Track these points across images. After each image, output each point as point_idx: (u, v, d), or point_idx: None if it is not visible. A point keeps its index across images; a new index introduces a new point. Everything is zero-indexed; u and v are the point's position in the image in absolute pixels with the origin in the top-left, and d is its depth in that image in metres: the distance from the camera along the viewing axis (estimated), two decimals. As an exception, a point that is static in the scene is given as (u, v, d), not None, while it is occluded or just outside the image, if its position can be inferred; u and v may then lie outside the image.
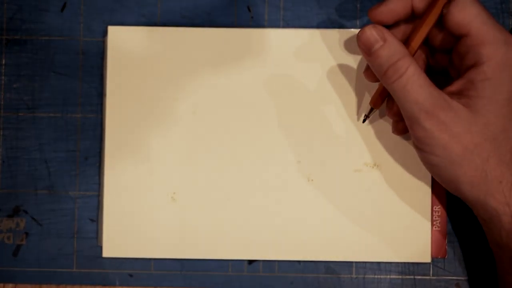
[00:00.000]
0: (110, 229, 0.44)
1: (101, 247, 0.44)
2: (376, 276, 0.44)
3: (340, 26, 0.45)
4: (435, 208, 0.44)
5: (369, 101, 0.42)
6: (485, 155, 0.36)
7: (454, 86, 0.37)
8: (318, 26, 0.45)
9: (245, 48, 0.44)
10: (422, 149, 0.38)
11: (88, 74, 0.45)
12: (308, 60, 0.44)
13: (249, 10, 0.45)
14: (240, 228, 0.44)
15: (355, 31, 0.44)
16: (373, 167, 0.44)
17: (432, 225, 0.44)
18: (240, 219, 0.44)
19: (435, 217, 0.44)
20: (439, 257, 0.44)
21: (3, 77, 0.45)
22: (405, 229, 0.44)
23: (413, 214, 0.44)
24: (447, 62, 0.40)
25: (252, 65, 0.44)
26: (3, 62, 0.45)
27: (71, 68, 0.45)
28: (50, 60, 0.45)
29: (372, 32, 0.38)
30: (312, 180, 0.44)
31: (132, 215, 0.44)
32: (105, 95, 0.44)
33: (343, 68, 0.44)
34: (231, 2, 0.45)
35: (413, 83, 0.36)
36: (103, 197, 0.44)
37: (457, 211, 0.44)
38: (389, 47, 0.37)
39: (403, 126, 0.41)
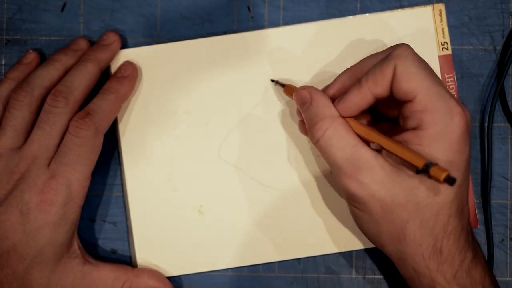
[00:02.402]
0: (142, 252, 0.44)
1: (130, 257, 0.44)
2: (376, 276, 0.44)
3: (340, 26, 0.45)
4: None
5: None
6: (404, 217, 0.36)
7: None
8: (318, 26, 0.45)
9: (245, 52, 0.44)
10: (346, 199, 0.38)
11: (88, 74, 0.45)
12: (306, 57, 0.44)
13: (249, 10, 0.45)
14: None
15: (354, 18, 0.44)
16: None
17: None
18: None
19: None
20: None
21: (3, 77, 0.45)
22: None
23: None
24: (395, 115, 0.40)
25: (254, 69, 0.44)
26: (3, 62, 0.45)
27: (71, 68, 0.45)
28: (50, 60, 0.45)
29: (304, 92, 0.39)
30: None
31: (161, 234, 0.44)
32: (118, 119, 0.44)
33: (343, 59, 0.44)
34: (231, 2, 0.45)
35: (331, 146, 0.37)
36: (130, 222, 0.44)
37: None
38: (312, 107, 0.38)
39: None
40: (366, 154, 0.36)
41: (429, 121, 0.35)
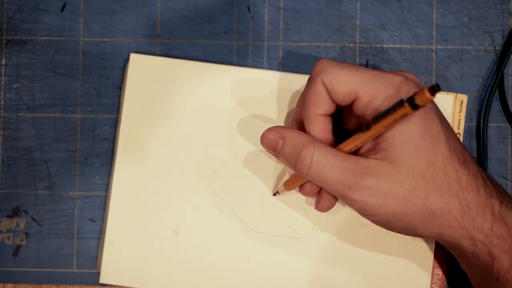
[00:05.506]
0: (110, 257, 0.44)
1: (99, 273, 0.44)
2: None
3: (340, 26, 0.45)
4: (436, 271, 0.44)
5: None
6: (422, 195, 0.36)
7: (368, 144, 0.37)
8: (318, 25, 0.45)
9: (267, 92, 0.44)
10: (365, 215, 0.38)
11: (88, 74, 0.45)
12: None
13: (249, 10, 0.45)
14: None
15: None
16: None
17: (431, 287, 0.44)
18: (241, 261, 0.44)
19: (435, 280, 0.44)
20: (438, 319, 0.44)
21: (3, 77, 0.45)
22: None
23: (413, 275, 0.43)
24: (356, 124, 0.40)
25: (268, 110, 0.44)
26: (3, 62, 0.45)
27: (71, 68, 0.45)
28: (50, 60, 0.45)
29: (271, 135, 0.39)
30: (316, 229, 0.44)
31: (133, 245, 0.44)
32: (119, 122, 0.44)
33: None
34: (231, 2, 0.45)
35: (324, 168, 0.36)
36: (106, 225, 0.44)
37: (457, 276, 0.44)
38: (288, 143, 0.38)
39: (324, 204, 0.41)
40: (359, 161, 0.36)
41: (381, 106, 0.36)
